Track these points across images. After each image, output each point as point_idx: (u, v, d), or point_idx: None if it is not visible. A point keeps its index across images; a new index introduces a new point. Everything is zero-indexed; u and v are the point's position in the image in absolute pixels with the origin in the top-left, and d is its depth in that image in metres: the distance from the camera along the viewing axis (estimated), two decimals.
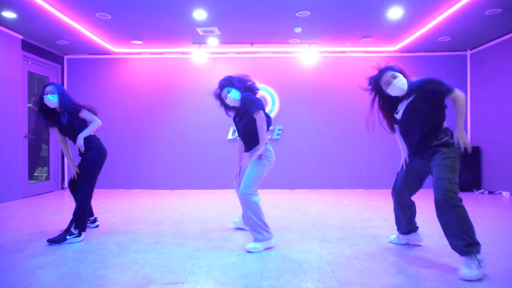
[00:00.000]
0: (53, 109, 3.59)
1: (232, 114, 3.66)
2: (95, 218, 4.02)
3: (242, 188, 3.13)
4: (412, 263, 2.73)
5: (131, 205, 5.37)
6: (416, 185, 3.03)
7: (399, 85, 2.84)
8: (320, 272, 2.56)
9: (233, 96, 3.39)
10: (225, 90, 3.46)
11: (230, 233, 3.69)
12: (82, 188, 3.51)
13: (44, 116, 3.62)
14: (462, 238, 2.45)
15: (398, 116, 2.93)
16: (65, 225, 3.60)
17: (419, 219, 3.75)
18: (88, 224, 3.84)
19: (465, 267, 2.42)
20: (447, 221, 2.52)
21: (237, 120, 3.47)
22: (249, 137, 3.32)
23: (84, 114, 3.59)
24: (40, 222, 4.17)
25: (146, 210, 4.98)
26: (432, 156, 2.78)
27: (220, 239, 3.48)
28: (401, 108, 2.91)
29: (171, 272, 2.58)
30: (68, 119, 3.50)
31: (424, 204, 5.03)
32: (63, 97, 3.53)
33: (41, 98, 3.53)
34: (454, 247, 2.53)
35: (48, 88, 3.51)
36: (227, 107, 3.57)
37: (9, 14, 4.96)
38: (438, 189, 2.57)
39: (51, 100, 3.47)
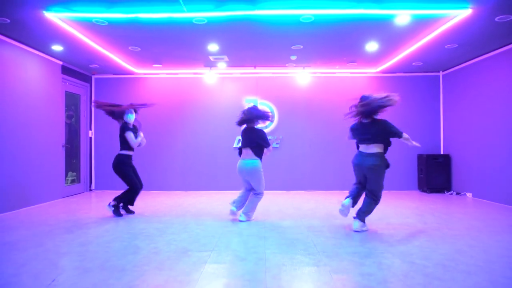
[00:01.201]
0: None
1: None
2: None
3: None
4: (372, 240, 3.84)
5: (155, 202, 6.48)
6: None
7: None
8: (306, 245, 3.67)
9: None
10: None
11: (239, 222, 4.79)
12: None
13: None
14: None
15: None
16: (106, 217, 4.77)
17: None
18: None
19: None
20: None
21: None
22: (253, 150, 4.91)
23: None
24: (89, 215, 5.28)
25: (169, 206, 6.10)
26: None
27: (232, 226, 4.60)
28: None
29: (202, 245, 3.69)
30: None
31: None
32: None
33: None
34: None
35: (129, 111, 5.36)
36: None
37: (57, 48, 6.10)
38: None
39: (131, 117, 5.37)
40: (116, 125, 8.26)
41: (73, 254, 3.41)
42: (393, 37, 5.74)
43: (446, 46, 6.08)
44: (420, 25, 5.17)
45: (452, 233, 4.17)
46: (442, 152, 8.09)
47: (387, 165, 4.21)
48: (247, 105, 5.14)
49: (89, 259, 3.24)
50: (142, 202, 6.46)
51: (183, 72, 8.14)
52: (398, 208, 5.78)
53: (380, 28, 5.32)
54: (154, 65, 7.55)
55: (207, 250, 3.50)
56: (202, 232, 4.27)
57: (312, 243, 3.77)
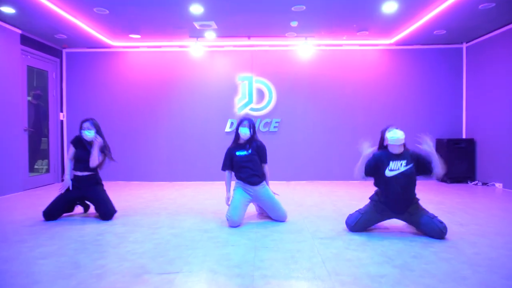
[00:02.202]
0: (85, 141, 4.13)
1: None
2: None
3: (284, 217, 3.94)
4: (400, 254, 2.83)
5: (130, 196, 5.47)
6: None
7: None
8: (311, 262, 2.66)
9: (246, 133, 3.94)
10: (246, 123, 3.95)
11: (225, 224, 3.78)
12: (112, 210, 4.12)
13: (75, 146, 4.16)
14: None
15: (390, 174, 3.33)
16: (64, 216, 3.76)
17: None
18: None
19: None
20: None
21: (242, 154, 3.94)
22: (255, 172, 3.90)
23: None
24: (41, 214, 4.27)
25: (145, 201, 5.09)
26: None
27: (216, 229, 3.59)
28: (396, 167, 3.33)
29: (167, 262, 2.68)
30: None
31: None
32: (99, 132, 4.20)
33: (80, 133, 4.10)
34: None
35: (85, 124, 4.08)
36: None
37: (8, 10, 5.01)
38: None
39: (88, 135, 4.07)
40: (90, 107, 7.24)
41: None
42: None
43: (480, 6, 4.98)
44: None
45: (503, 240, 3.16)
46: (464, 136, 7.04)
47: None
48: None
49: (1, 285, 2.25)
50: (116, 196, 5.44)
51: (166, 45, 7.03)
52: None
53: None
54: (130, 35, 6.44)
55: (171, 272, 2.49)
56: (173, 239, 3.25)
57: (320, 257, 2.75)
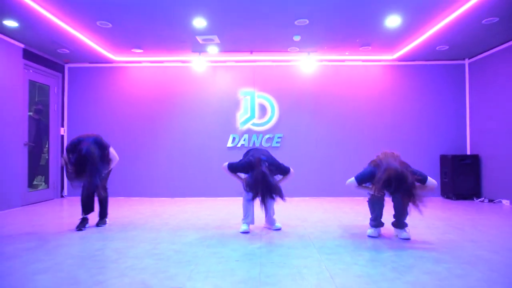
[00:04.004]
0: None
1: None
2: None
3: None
4: (411, 269, 2.71)
5: (129, 212, 5.35)
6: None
7: None
8: (318, 278, 2.54)
9: None
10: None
11: (229, 239, 3.67)
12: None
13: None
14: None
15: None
16: (62, 231, 3.61)
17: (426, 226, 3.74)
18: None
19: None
20: None
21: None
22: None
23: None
24: (38, 229, 4.15)
25: (145, 217, 4.97)
26: None
27: (218, 245, 3.47)
28: None
29: (168, 277, 2.56)
30: None
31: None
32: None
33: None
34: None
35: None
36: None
37: (11, 23, 5.01)
38: None
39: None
40: (91, 122, 7.18)
41: None
42: (421, 7, 4.64)
43: (483, 21, 4.97)
44: None
45: None
46: (469, 152, 6.96)
47: None
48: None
49: None
50: (116, 211, 5.33)
51: (169, 60, 7.03)
52: (427, 220, 4.60)
53: None
54: (133, 50, 6.44)
55: None
56: (174, 255, 3.13)
57: (329, 274, 2.63)
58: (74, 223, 4.37)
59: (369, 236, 3.77)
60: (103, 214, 4.45)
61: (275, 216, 4.23)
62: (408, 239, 3.63)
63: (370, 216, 3.90)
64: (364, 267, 2.76)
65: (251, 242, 3.58)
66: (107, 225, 4.39)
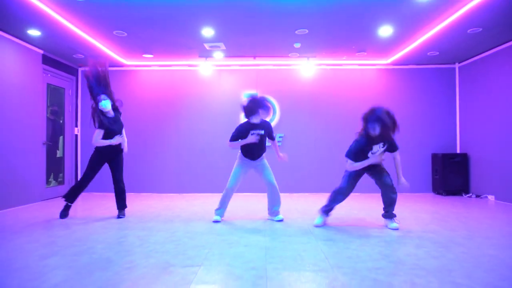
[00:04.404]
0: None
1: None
2: None
3: (274, 183, 4.56)
4: (395, 252, 3.16)
5: (142, 206, 5.81)
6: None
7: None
8: (315, 258, 3.00)
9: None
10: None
11: (236, 229, 4.12)
12: (122, 180, 4.94)
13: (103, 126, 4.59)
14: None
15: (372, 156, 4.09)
16: (85, 222, 4.09)
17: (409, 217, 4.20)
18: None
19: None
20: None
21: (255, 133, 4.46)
22: (261, 150, 4.53)
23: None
24: (62, 221, 4.61)
25: (158, 210, 5.43)
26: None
27: (227, 233, 3.92)
28: (376, 150, 4.07)
29: (188, 258, 3.01)
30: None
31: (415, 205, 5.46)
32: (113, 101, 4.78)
33: (97, 105, 4.61)
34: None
35: (102, 96, 4.59)
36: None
37: (35, 32, 5.45)
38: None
39: (106, 105, 4.60)
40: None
41: (29, 269, 2.74)
42: (410, 19, 5.08)
43: (468, 31, 5.42)
44: (443, 2, 4.51)
45: (490, 242, 3.49)
46: (458, 151, 7.41)
47: None
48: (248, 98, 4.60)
49: (45, 276, 2.57)
50: (129, 205, 5.77)
51: (177, 64, 7.48)
52: (416, 213, 5.09)
53: (396, 7, 4.67)
54: (144, 55, 6.89)
55: (194, 265, 2.82)
56: (190, 241, 3.59)
57: (324, 255, 3.09)
58: (93, 215, 4.85)
59: (317, 226, 4.25)
60: (122, 206, 4.90)
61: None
62: (397, 229, 4.08)
63: (324, 204, 4.36)
64: (354, 250, 3.22)
65: (256, 231, 4.03)
66: (125, 217, 4.85)
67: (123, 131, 4.90)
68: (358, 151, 4.07)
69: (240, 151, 4.57)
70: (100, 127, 4.57)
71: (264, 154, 4.63)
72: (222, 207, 4.64)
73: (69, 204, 4.80)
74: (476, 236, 3.73)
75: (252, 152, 4.50)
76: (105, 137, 4.60)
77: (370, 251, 3.19)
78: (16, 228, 4.15)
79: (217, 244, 3.48)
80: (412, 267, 2.76)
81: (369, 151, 4.04)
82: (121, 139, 4.76)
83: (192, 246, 3.41)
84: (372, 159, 4.05)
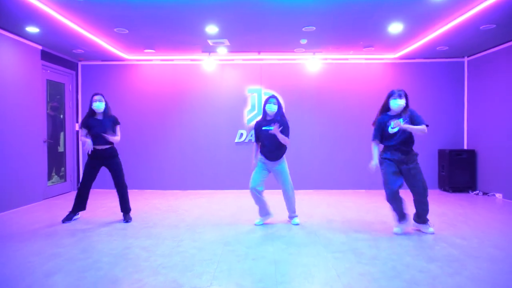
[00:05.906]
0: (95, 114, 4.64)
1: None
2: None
3: (288, 190, 4.58)
4: (408, 268, 3.09)
5: (146, 207, 5.74)
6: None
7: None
8: (326, 276, 2.93)
9: (273, 109, 4.45)
10: (273, 100, 4.46)
11: (243, 236, 4.06)
12: (123, 184, 4.86)
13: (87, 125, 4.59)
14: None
15: (393, 131, 4.07)
16: (88, 228, 4.02)
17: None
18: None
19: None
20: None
21: (266, 129, 4.39)
22: (274, 148, 4.42)
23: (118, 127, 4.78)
24: (66, 226, 4.54)
25: (162, 212, 5.36)
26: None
27: (235, 242, 3.86)
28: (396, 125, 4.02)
29: (196, 276, 2.95)
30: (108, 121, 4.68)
31: None
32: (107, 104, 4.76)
33: (91, 104, 4.60)
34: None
35: (97, 97, 4.62)
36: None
37: (33, 29, 5.28)
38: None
39: (99, 106, 4.59)
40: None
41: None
42: (423, 17, 4.91)
43: (481, 27, 5.24)
44: (459, 0, 4.34)
45: (501, 254, 3.42)
46: (466, 147, 7.30)
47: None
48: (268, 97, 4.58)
49: None
50: (133, 205, 5.70)
51: (179, 59, 7.30)
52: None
53: (409, 6, 4.49)
54: (145, 51, 6.71)
55: (203, 286, 2.76)
56: (198, 253, 3.52)
57: (335, 272, 3.02)
58: (96, 218, 4.79)
59: (396, 234, 4.12)
60: (126, 209, 4.85)
61: (296, 213, 4.78)
62: (432, 233, 4.10)
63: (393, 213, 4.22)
64: (366, 266, 3.15)
65: (264, 239, 3.96)
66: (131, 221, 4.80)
67: (118, 130, 4.78)
68: (378, 128, 4.16)
69: None
70: (81, 126, 4.66)
71: (283, 157, 4.56)
72: (259, 207, 4.61)
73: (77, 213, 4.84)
74: (486, 245, 3.66)
75: (265, 150, 4.48)
76: (92, 138, 4.58)
77: (382, 267, 3.12)
78: (19, 236, 4.09)
79: (225, 256, 3.41)
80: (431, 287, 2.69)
81: (389, 126, 4.08)
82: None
83: (199, 259, 3.34)
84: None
